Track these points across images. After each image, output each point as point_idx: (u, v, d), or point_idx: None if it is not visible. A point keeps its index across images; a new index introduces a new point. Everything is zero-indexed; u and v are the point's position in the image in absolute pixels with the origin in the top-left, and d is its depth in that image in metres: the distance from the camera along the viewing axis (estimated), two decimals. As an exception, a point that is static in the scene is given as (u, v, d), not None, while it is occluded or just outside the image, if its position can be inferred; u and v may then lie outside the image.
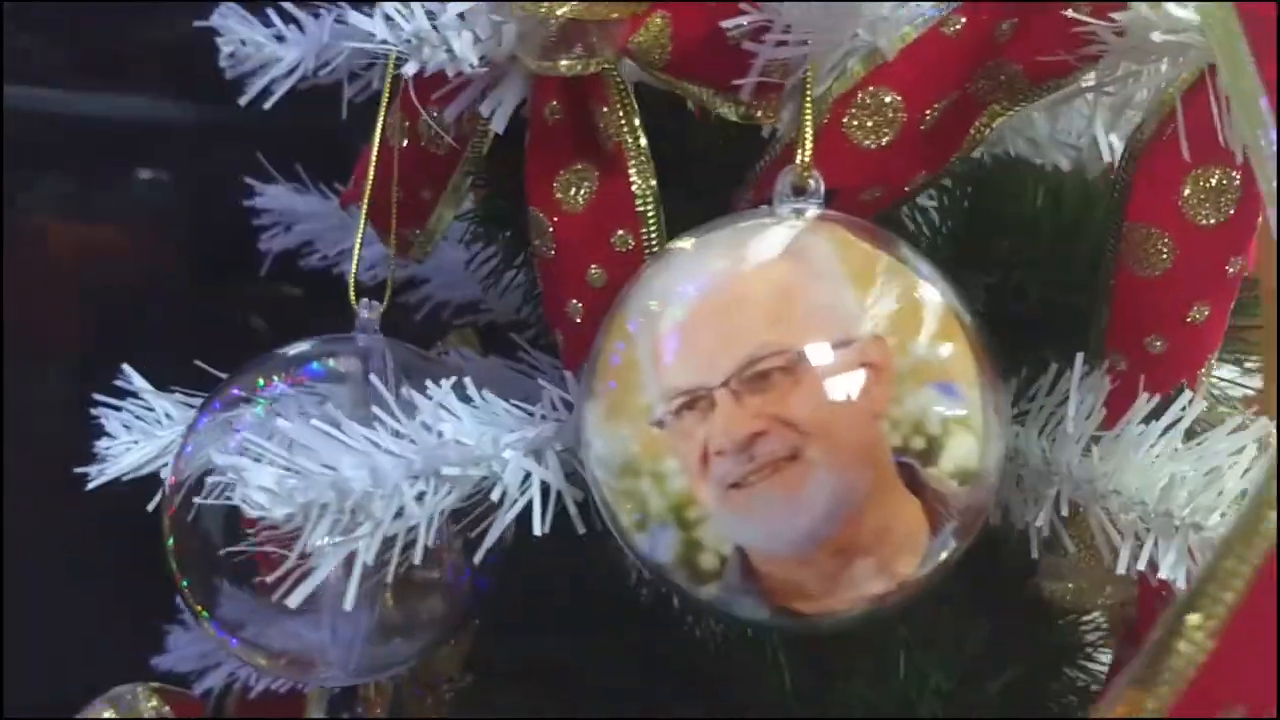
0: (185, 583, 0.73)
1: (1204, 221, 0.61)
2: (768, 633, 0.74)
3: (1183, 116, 0.59)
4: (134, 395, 0.81)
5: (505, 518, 0.64)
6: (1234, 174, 0.60)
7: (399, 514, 0.60)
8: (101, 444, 0.79)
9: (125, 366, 0.81)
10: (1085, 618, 0.80)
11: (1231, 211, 0.61)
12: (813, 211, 0.63)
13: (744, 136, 0.75)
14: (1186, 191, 0.61)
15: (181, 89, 1.62)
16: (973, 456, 0.60)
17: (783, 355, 0.60)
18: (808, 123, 0.62)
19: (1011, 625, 0.76)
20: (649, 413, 0.61)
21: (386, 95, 0.77)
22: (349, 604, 0.59)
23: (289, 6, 0.86)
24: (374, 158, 0.77)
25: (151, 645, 1.07)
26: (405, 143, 0.75)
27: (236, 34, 0.88)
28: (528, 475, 0.65)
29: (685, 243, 0.64)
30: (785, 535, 0.61)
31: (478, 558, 0.64)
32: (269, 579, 0.62)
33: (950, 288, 0.61)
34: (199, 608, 0.73)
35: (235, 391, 0.75)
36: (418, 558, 0.60)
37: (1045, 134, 0.82)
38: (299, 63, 0.86)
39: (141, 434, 0.79)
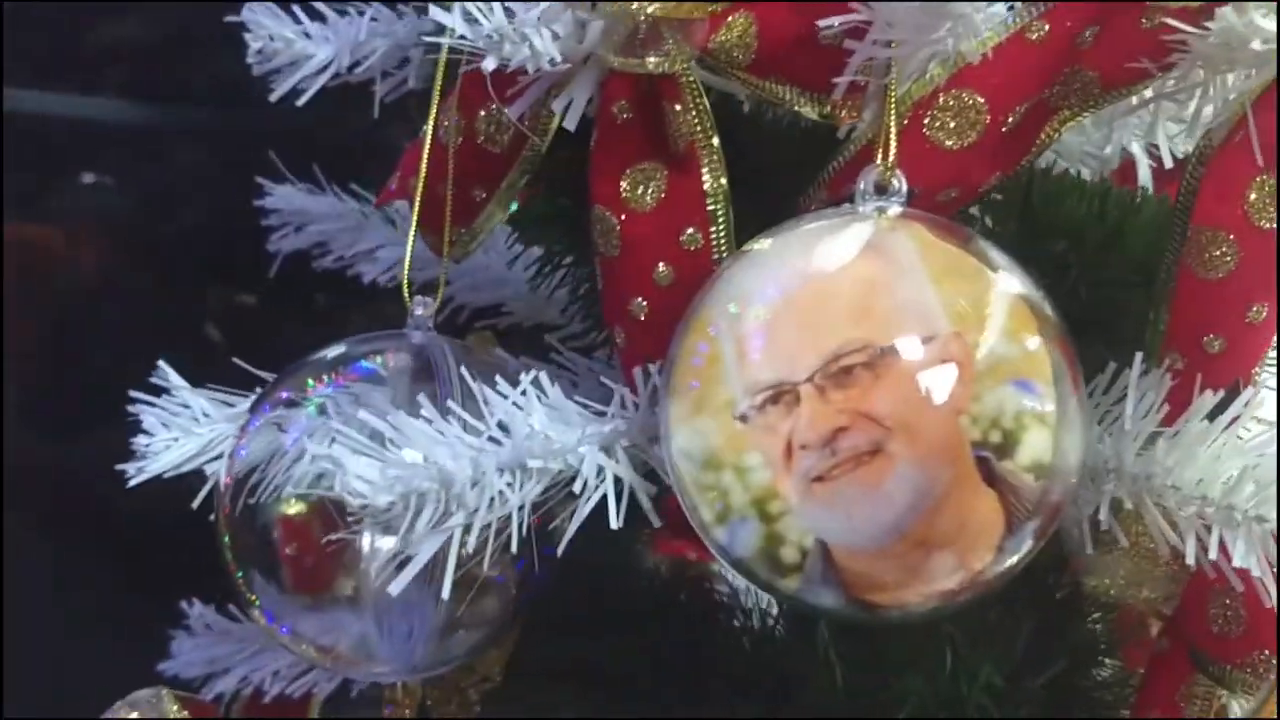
0: (240, 574, 0.73)
1: (1267, 224, 0.63)
2: (821, 623, 0.75)
3: (1254, 123, 0.61)
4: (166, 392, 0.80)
5: (584, 510, 0.64)
6: (1299, 179, 0.62)
7: (490, 504, 0.60)
8: (140, 441, 0.78)
9: (161, 363, 0.80)
10: (1115, 613, 0.82)
11: (1294, 216, 0.63)
12: (894, 209, 0.64)
13: (798, 137, 0.77)
14: (1253, 196, 0.63)
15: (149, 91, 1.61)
16: (1047, 451, 0.62)
17: (866, 351, 0.61)
18: (892, 122, 0.63)
19: (1052, 621, 0.78)
20: (733, 407, 0.62)
21: (438, 93, 0.77)
22: (445, 592, 0.60)
23: (320, 6, 0.86)
24: (425, 155, 0.76)
25: (156, 652, 1.05)
26: (460, 140, 0.75)
27: (266, 29, 0.87)
28: (601, 470, 0.65)
29: (764, 242, 0.65)
30: (867, 529, 0.62)
31: (560, 548, 0.65)
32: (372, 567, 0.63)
33: (1031, 283, 0.63)
34: (253, 598, 0.74)
35: (284, 394, 0.75)
36: (514, 546, 0.60)
37: (1075, 145, 0.85)
38: (331, 60, 0.86)
39: (181, 431, 0.78)
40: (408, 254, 0.77)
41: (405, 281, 0.76)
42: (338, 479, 0.58)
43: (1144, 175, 0.86)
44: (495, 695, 0.85)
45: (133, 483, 0.77)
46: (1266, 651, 0.69)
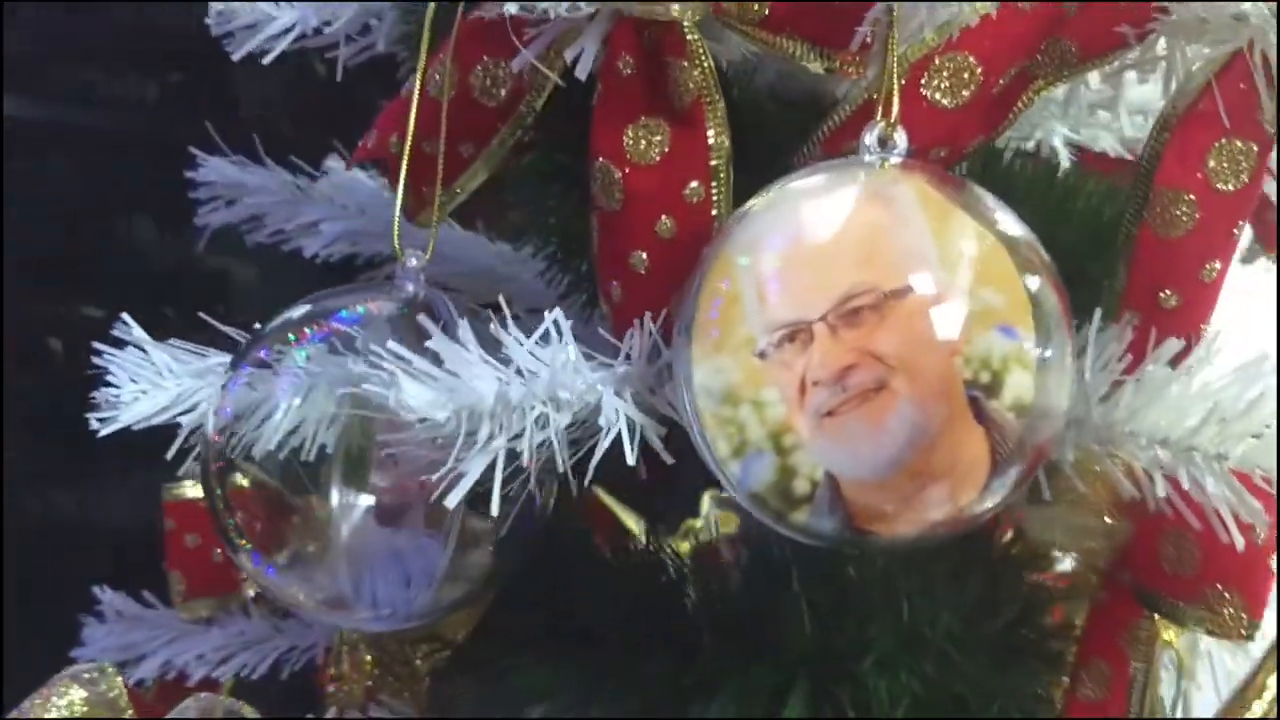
0: (230, 521, 0.72)
1: (1223, 186, 0.70)
2: (794, 575, 0.78)
3: (1219, 92, 0.67)
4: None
5: (604, 444, 0.65)
6: (1253, 145, 0.69)
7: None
8: (108, 393, 0.75)
9: (125, 316, 0.78)
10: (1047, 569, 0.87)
11: (1247, 179, 0.69)
12: (896, 160, 0.68)
13: (774, 110, 0.80)
14: (1212, 161, 0.69)
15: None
16: (1029, 391, 0.66)
17: (872, 294, 0.65)
18: (894, 79, 0.67)
19: (998, 577, 0.82)
20: (752, 345, 0.65)
21: (425, 45, 0.77)
22: (494, 509, 0.60)
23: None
24: (414, 109, 0.77)
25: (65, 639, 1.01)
26: (453, 94, 0.76)
27: (228, -11, 0.87)
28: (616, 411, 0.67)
29: (777, 190, 0.68)
30: (870, 461, 0.65)
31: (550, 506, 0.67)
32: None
33: (1026, 231, 0.67)
34: (242, 542, 0.73)
35: (262, 353, 0.74)
36: (559, 464, 0.61)
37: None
38: (295, 24, 0.86)
39: (149, 384, 0.76)
40: (396, 209, 0.77)
41: (396, 235, 0.76)
42: (392, 395, 0.58)
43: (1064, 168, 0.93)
44: (459, 661, 0.85)
45: (104, 433, 0.74)
46: (1219, 585, 0.75)
